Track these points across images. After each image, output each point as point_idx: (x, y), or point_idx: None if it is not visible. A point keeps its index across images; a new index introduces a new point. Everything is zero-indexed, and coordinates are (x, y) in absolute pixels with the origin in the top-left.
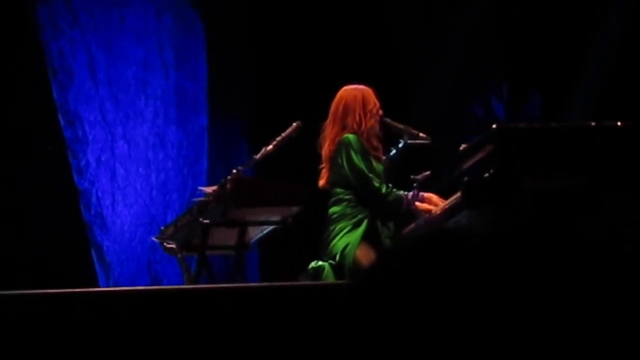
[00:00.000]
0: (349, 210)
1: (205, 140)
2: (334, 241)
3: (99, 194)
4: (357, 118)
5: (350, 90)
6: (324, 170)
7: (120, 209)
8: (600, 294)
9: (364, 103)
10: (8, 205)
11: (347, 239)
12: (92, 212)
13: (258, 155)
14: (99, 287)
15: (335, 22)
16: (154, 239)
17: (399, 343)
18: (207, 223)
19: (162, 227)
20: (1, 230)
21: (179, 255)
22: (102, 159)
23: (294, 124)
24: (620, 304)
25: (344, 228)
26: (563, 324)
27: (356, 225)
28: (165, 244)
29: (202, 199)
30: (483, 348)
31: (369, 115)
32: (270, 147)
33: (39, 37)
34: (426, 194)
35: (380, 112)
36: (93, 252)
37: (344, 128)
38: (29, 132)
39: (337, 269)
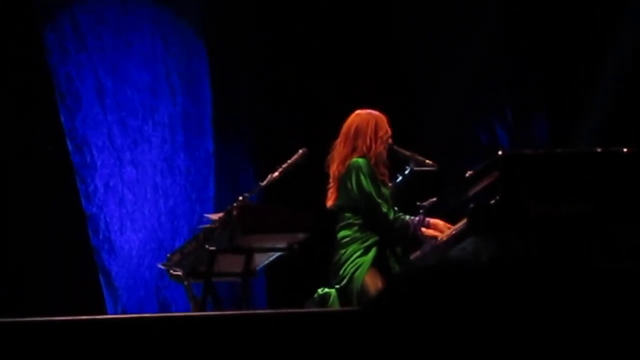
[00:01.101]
0: (359, 235)
1: (212, 165)
2: (345, 265)
3: (107, 219)
4: (368, 142)
5: (364, 114)
6: (331, 190)
7: (128, 234)
8: (605, 321)
9: (376, 128)
10: (16, 230)
11: (357, 263)
12: (101, 237)
13: (264, 182)
14: (106, 312)
15: (342, 47)
16: (160, 266)
17: None
18: (213, 250)
19: (169, 255)
20: (9, 255)
21: (185, 283)
22: (110, 184)
23: (300, 151)
24: (626, 331)
25: (354, 252)
26: (567, 349)
27: (367, 249)
28: (171, 271)
29: (208, 225)
30: None
31: (379, 141)
32: (276, 173)
33: (47, 61)
34: (432, 220)
35: (390, 140)
36: (101, 277)
37: (354, 150)
38: (37, 157)
39: (343, 293)
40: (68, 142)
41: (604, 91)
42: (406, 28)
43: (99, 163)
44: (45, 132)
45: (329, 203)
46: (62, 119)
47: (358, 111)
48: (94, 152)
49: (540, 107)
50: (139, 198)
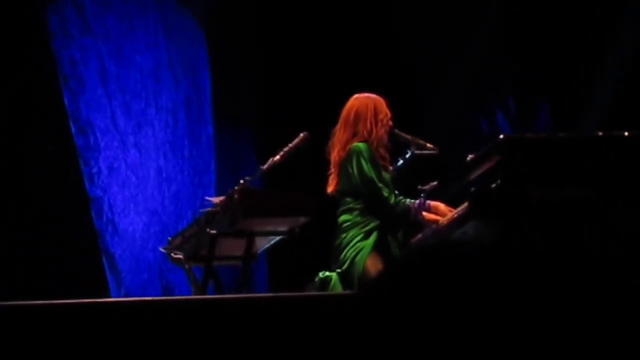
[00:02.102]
0: (359, 219)
1: (212, 149)
2: (346, 249)
3: (111, 202)
4: (369, 126)
5: (362, 98)
6: (332, 176)
7: (132, 217)
8: (604, 305)
9: (376, 112)
10: (19, 212)
11: (358, 247)
12: (104, 219)
13: (265, 166)
14: (110, 295)
15: (343, 32)
16: (161, 249)
17: (404, 352)
18: (214, 233)
19: (170, 238)
20: (12, 237)
21: (186, 266)
22: (114, 166)
23: (301, 135)
24: (624, 316)
25: (355, 236)
26: (567, 334)
27: (367, 234)
28: (172, 254)
29: (209, 209)
30: (488, 357)
31: (379, 124)
32: (278, 157)
33: (50, 44)
34: (433, 203)
35: (390, 122)
36: (104, 260)
37: (354, 135)
38: (41, 139)
39: (345, 278)
40: (71, 125)
41: (606, 84)
42: (409, 17)
43: (102, 145)
44: (49, 114)
45: (330, 189)
46: (66, 101)
47: (356, 95)
48: (98, 134)
49: (542, 96)
50: (143, 181)
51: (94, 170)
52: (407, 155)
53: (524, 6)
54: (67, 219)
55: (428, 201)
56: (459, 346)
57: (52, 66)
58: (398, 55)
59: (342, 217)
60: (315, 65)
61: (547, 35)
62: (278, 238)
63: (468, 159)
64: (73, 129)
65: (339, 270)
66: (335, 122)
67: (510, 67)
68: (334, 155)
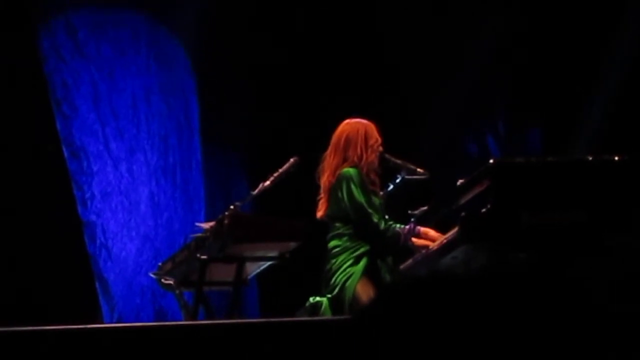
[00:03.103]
0: (349, 244)
1: (201, 176)
2: (336, 274)
3: (104, 226)
4: (359, 151)
5: (353, 124)
6: (322, 201)
7: (125, 242)
8: (592, 332)
9: (366, 137)
10: (11, 236)
11: (348, 273)
12: (97, 244)
13: (255, 191)
14: (102, 319)
15: (335, 57)
16: (151, 274)
17: None
18: (204, 259)
19: (160, 263)
20: (4, 262)
21: (177, 291)
22: (107, 191)
23: (292, 160)
24: (614, 342)
25: (345, 261)
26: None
27: (357, 259)
28: (163, 279)
29: (199, 234)
30: None
31: (370, 149)
32: (268, 182)
33: (43, 68)
34: (423, 229)
35: (381, 147)
36: (98, 285)
37: (345, 160)
38: (34, 163)
39: (335, 303)
40: (64, 149)
41: (600, 102)
42: (401, 40)
43: (95, 170)
44: (42, 139)
45: (319, 214)
46: (58, 125)
47: (347, 120)
48: (91, 159)
49: (532, 118)
50: (135, 206)
51: (87, 195)
52: (398, 180)
53: (515, 28)
54: (60, 244)
55: (418, 227)
56: None
57: (44, 90)
58: (389, 79)
59: (332, 242)
60: (306, 89)
61: (538, 57)
62: (268, 263)
63: (458, 183)
64: (66, 154)
65: (329, 295)
66: (325, 147)
67: (501, 89)
68: (324, 180)
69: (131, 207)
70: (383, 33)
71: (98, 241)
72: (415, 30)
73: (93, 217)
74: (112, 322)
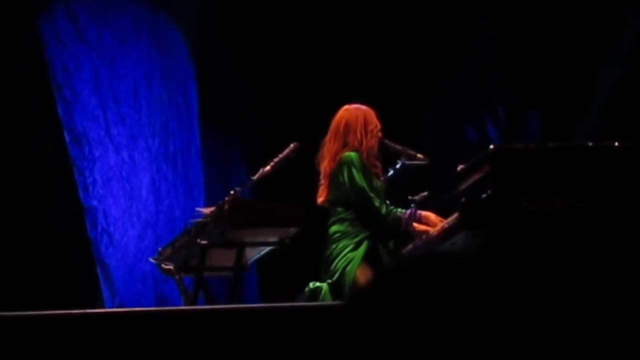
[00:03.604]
0: (350, 229)
1: (200, 162)
2: (336, 260)
3: (106, 212)
4: (359, 137)
5: (352, 109)
6: (322, 187)
7: (126, 228)
8: (593, 317)
9: (366, 123)
10: (13, 222)
11: (348, 258)
12: (99, 229)
13: (255, 176)
14: (104, 305)
15: (335, 43)
16: (151, 260)
17: None
18: (204, 244)
19: (160, 249)
20: (6, 248)
21: (177, 277)
22: (109, 176)
23: (292, 145)
24: (614, 328)
25: (345, 247)
26: (555, 345)
27: (358, 244)
28: (162, 265)
29: (199, 220)
30: None
31: (369, 135)
32: (268, 168)
33: (44, 53)
34: (424, 213)
35: (380, 133)
36: (99, 270)
37: (345, 145)
38: (35, 149)
39: (335, 288)
40: (65, 135)
41: (601, 91)
42: (401, 30)
43: (97, 155)
44: (43, 124)
45: (320, 200)
46: (60, 110)
47: (346, 106)
48: (92, 144)
49: (532, 103)
50: (137, 192)
51: (89, 180)
52: (398, 166)
53: (516, 17)
54: (61, 229)
55: (419, 211)
56: (448, 356)
57: (45, 75)
58: (390, 66)
59: (333, 228)
60: (306, 75)
61: (539, 43)
62: (268, 248)
63: (458, 169)
64: (67, 139)
65: (329, 280)
66: (325, 132)
67: (502, 75)
68: (324, 166)
69: (132, 192)
70: (383, 23)
71: (99, 227)
72: (415, 22)
73: (95, 203)
74: (113, 308)
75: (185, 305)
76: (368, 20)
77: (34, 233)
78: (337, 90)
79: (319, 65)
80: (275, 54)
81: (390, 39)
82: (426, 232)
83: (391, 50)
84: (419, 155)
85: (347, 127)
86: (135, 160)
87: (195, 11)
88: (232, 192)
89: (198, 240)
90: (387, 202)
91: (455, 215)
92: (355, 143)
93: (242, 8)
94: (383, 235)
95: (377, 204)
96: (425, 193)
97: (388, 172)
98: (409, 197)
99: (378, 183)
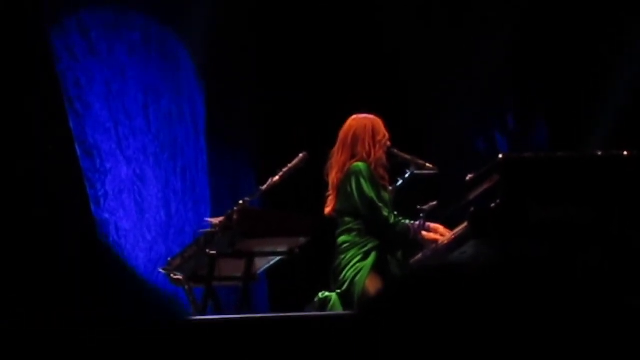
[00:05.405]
0: (358, 240)
1: (206, 178)
2: (345, 270)
3: (118, 224)
4: (367, 147)
5: (360, 119)
6: (330, 198)
7: (137, 240)
8: (600, 323)
9: (374, 133)
10: (23, 234)
11: (357, 268)
12: (110, 241)
13: (264, 186)
14: None
15: (344, 54)
16: (160, 270)
17: None
18: (213, 254)
19: (169, 259)
20: (16, 258)
21: (186, 287)
22: (120, 189)
23: (300, 155)
24: (620, 334)
25: (354, 257)
26: (564, 352)
27: (366, 254)
28: (172, 275)
29: (209, 230)
30: None
31: (377, 145)
32: (277, 177)
33: (55, 66)
34: (432, 225)
35: (389, 143)
36: None
37: (353, 156)
38: (46, 160)
39: (344, 298)
40: (77, 147)
41: (611, 98)
42: (411, 37)
43: (108, 168)
44: (55, 137)
45: (328, 210)
46: (71, 123)
47: (354, 116)
48: (104, 156)
49: (541, 116)
50: (148, 204)
51: (100, 193)
52: (406, 175)
53: (524, 27)
54: (73, 241)
55: (428, 223)
56: None
57: (57, 88)
58: (399, 76)
59: (341, 238)
60: (314, 85)
61: (547, 53)
62: (278, 258)
63: (467, 178)
64: (79, 151)
65: (338, 290)
66: (334, 142)
67: (510, 85)
68: (332, 177)
69: (143, 205)
70: (393, 31)
71: (111, 239)
72: (423, 28)
73: (106, 215)
74: None
75: (194, 315)
76: (378, 30)
77: (45, 244)
78: (345, 100)
79: (327, 75)
80: (282, 65)
81: (400, 49)
82: (435, 241)
83: (400, 59)
84: (427, 164)
85: (356, 138)
86: (145, 173)
87: (202, 24)
88: (241, 202)
89: (207, 250)
90: (396, 212)
91: (465, 224)
92: (364, 154)
93: (248, 20)
94: (392, 245)
95: (385, 213)
96: (434, 203)
97: (397, 181)
98: (418, 207)
99: (386, 194)
